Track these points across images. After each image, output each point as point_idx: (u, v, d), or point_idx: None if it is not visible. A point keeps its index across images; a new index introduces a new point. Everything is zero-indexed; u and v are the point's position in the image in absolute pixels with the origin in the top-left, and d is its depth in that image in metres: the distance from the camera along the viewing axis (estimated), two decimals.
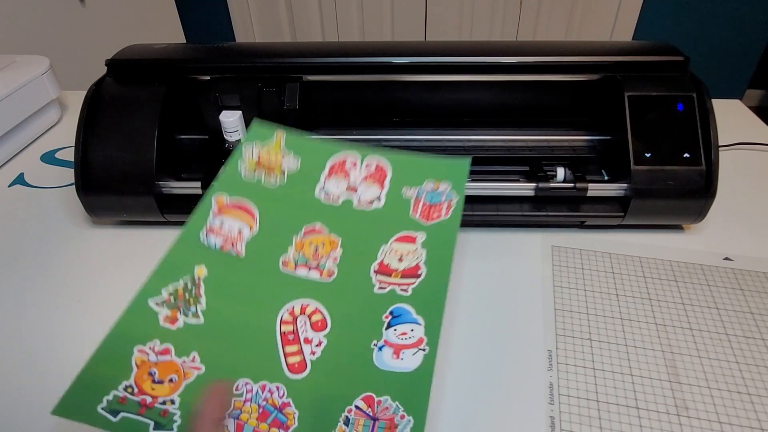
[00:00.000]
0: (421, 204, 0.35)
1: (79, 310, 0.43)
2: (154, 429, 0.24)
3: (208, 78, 0.50)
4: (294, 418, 0.26)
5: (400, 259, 0.32)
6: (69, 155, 0.63)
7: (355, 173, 0.36)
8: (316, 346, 0.28)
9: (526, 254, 0.46)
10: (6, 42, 1.07)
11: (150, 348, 0.27)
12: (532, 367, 0.37)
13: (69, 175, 0.59)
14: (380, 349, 0.28)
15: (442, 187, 0.35)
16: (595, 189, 0.46)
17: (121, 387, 0.25)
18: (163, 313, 0.28)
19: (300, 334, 0.29)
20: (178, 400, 0.25)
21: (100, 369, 0.25)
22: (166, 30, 1.63)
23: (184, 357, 0.27)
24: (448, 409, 0.34)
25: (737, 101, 0.70)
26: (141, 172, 0.46)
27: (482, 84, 0.53)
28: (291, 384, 0.27)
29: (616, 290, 0.43)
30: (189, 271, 0.30)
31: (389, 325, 0.29)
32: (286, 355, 0.28)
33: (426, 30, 1.87)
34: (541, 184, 0.46)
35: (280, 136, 0.38)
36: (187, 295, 0.29)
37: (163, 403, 0.25)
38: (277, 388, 0.27)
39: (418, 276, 0.31)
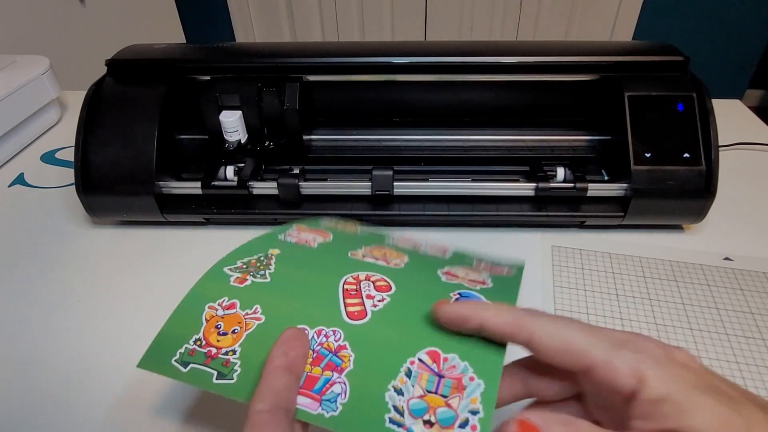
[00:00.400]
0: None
1: (79, 309, 0.43)
2: (216, 378, 0.25)
3: (208, 78, 0.50)
4: (350, 360, 0.24)
5: (467, 275, 0.30)
6: (69, 155, 0.64)
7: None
8: (379, 301, 0.27)
9: (525, 254, 0.46)
10: (6, 42, 1.07)
11: (219, 304, 0.27)
12: None
13: (69, 175, 0.59)
14: None
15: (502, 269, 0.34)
16: (595, 189, 0.46)
17: (191, 340, 0.26)
18: (234, 276, 0.29)
19: (363, 292, 0.28)
20: (239, 350, 0.25)
21: (175, 327, 0.27)
22: (166, 30, 1.63)
23: (247, 309, 0.27)
24: None
25: (737, 101, 0.70)
26: (141, 172, 0.46)
27: (482, 84, 0.54)
28: (349, 328, 0.26)
29: (616, 290, 0.43)
30: (264, 251, 0.31)
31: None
32: (346, 305, 0.27)
33: (426, 30, 1.87)
34: (541, 184, 0.46)
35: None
36: (258, 264, 0.30)
37: (226, 353, 0.25)
38: (334, 332, 0.26)
39: (484, 283, 0.29)
